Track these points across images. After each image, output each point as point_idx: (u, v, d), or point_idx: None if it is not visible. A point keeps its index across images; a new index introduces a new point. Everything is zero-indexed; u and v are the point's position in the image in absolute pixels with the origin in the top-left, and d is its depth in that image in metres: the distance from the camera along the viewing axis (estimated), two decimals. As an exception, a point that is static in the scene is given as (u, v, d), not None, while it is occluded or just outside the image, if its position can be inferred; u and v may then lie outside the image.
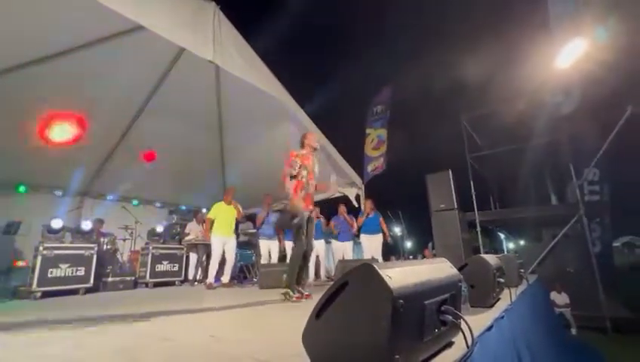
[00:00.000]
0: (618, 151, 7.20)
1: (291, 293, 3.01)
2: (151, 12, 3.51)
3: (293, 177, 3.28)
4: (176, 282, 5.98)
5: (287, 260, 3.59)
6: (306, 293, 3.18)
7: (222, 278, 5.31)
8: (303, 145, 3.51)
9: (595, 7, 6.70)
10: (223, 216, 5.46)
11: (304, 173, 3.32)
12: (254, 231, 6.58)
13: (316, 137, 3.65)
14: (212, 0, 4.35)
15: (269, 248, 5.90)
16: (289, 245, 6.28)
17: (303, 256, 3.20)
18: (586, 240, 6.36)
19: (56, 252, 4.43)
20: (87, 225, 5.23)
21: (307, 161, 3.38)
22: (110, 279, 5.18)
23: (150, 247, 5.74)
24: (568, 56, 6.62)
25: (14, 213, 5.64)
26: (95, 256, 4.82)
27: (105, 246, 5.78)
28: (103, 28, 4.47)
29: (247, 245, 6.98)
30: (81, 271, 4.64)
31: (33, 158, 5.68)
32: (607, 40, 6.08)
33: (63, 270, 4.45)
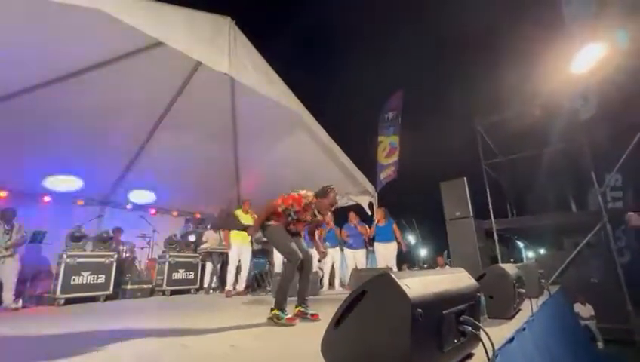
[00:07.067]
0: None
1: (280, 315, 2.47)
2: (169, 28, 3.69)
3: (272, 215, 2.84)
4: (192, 290, 6.06)
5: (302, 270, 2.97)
6: (313, 313, 2.63)
7: (237, 286, 5.37)
8: (324, 196, 2.87)
9: (612, 10, 6.55)
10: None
11: (292, 213, 2.83)
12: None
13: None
14: (227, 15, 4.53)
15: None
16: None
17: (299, 268, 2.73)
18: (611, 249, 6.11)
19: (79, 260, 4.59)
20: (108, 233, 5.40)
21: (306, 211, 2.86)
22: (129, 287, 5.30)
23: (167, 256, 5.85)
24: (585, 60, 6.47)
25: (40, 223, 5.86)
26: (115, 264, 4.96)
27: (124, 255, 5.92)
28: (125, 45, 4.69)
29: (260, 254, 7.01)
30: (102, 279, 4.78)
31: (56, 171, 5.98)
32: (626, 44, 5.93)
33: (84, 277, 4.59)
